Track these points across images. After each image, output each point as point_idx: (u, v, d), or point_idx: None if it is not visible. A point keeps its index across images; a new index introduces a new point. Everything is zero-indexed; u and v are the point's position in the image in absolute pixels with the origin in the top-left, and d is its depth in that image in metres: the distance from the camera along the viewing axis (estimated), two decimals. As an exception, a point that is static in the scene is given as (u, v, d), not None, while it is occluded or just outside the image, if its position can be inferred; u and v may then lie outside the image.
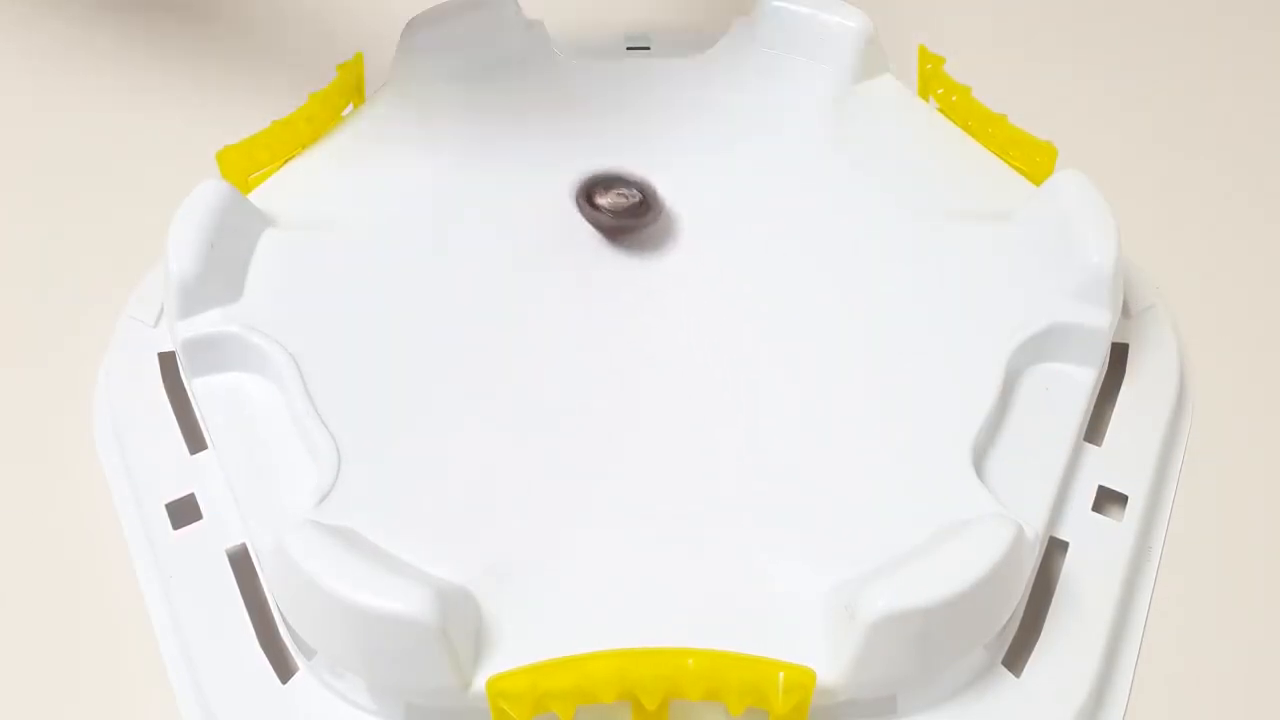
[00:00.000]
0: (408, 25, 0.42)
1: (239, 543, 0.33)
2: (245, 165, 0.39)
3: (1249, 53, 0.51)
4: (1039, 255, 0.36)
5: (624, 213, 0.37)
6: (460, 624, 0.29)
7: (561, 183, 0.39)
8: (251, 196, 0.38)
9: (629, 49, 0.45)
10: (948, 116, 0.42)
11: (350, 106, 0.42)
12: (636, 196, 0.37)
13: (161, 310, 0.39)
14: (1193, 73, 0.50)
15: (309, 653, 0.31)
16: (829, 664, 0.29)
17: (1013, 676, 0.31)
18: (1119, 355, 0.38)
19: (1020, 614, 0.32)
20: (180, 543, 0.33)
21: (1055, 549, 0.33)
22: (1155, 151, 0.47)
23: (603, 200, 0.37)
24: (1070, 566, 0.33)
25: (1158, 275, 0.41)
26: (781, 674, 0.28)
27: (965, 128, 0.41)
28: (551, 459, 0.33)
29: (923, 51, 0.43)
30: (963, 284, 0.36)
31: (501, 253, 0.38)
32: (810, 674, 0.28)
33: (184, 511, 0.34)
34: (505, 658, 0.29)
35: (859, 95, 0.42)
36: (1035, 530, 0.32)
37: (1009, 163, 0.40)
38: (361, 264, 0.37)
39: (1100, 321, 0.35)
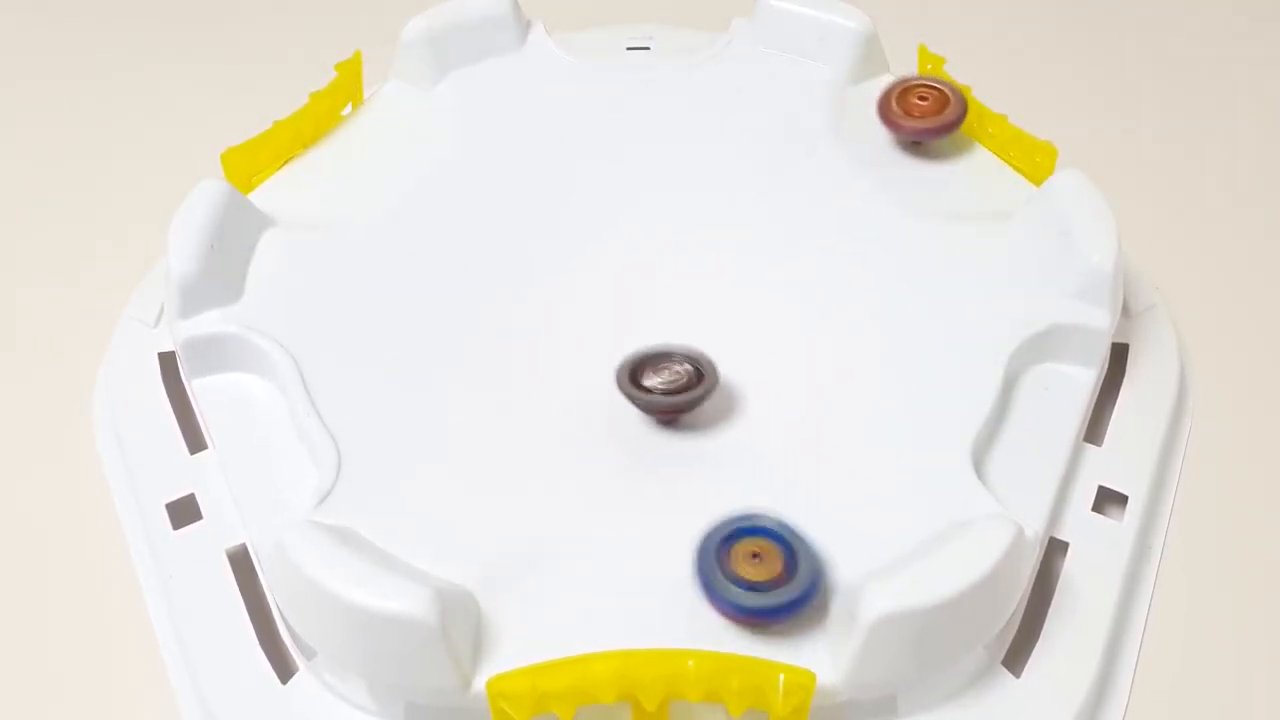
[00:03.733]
0: (407, 25, 0.42)
1: (239, 543, 0.33)
2: (249, 166, 0.39)
3: (1249, 53, 0.51)
4: (1039, 255, 0.36)
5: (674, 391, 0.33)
6: (460, 624, 0.29)
7: (553, 180, 0.39)
8: (252, 196, 0.38)
9: (629, 49, 0.44)
10: (948, 116, 0.42)
11: (349, 106, 0.42)
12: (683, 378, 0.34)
13: (162, 310, 0.39)
14: (1193, 73, 0.50)
15: (309, 653, 0.31)
16: (829, 665, 0.28)
17: (1013, 677, 0.31)
18: (1119, 355, 0.38)
19: (1020, 614, 0.32)
20: (180, 543, 0.33)
21: (1055, 549, 0.33)
22: (1155, 151, 0.47)
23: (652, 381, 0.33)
24: (1070, 567, 0.33)
25: (1158, 275, 0.41)
26: (782, 676, 0.28)
27: (965, 128, 0.41)
28: (553, 459, 0.33)
29: (923, 51, 0.43)
30: (963, 284, 0.36)
31: (493, 236, 0.38)
32: (810, 676, 0.28)
33: (184, 511, 0.34)
34: (505, 658, 0.29)
35: (859, 95, 0.42)
36: (1035, 531, 0.32)
37: (1009, 163, 0.40)
38: (361, 264, 0.37)
39: (1100, 322, 0.35)
